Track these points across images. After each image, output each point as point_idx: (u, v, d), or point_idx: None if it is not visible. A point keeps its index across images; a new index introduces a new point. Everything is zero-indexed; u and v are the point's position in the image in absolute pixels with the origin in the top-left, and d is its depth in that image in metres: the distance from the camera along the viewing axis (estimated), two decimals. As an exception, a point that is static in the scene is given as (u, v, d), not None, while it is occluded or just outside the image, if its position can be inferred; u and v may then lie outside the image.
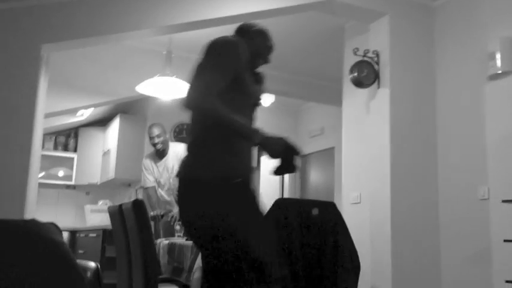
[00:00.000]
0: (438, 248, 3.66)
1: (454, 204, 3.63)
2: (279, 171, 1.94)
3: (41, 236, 1.28)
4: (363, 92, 3.95)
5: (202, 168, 1.85)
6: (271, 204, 2.53)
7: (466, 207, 3.51)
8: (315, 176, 7.41)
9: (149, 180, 4.45)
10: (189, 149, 1.92)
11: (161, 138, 4.39)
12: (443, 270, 3.61)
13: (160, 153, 4.43)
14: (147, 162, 4.51)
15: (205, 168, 1.84)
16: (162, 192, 4.43)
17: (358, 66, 3.75)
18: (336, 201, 2.89)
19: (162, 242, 3.30)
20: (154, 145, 4.38)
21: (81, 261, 1.77)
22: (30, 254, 1.24)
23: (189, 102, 1.82)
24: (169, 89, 4.29)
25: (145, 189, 4.50)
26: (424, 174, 3.73)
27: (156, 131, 4.37)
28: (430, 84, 3.90)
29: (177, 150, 4.39)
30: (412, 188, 3.64)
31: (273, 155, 1.92)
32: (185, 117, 6.38)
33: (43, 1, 3.50)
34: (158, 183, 4.43)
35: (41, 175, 5.33)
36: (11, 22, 3.45)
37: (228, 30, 4.39)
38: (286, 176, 7.67)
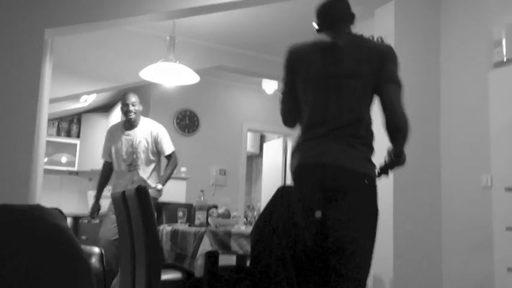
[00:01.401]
0: (440, 236, 3.66)
1: (456, 192, 3.63)
2: (385, 172, 2.06)
3: (45, 221, 1.28)
4: (367, 79, 3.93)
5: (373, 167, 1.98)
6: (274, 192, 2.53)
7: (469, 195, 3.50)
8: (318, 163, 7.40)
9: (104, 153, 4.19)
10: (356, 145, 1.95)
11: (135, 107, 4.05)
12: (445, 258, 3.62)
13: (129, 124, 4.07)
14: (114, 128, 4.20)
15: (374, 167, 1.98)
16: (122, 166, 4.02)
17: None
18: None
19: (165, 228, 3.31)
20: (126, 113, 4.02)
21: (85, 247, 1.78)
22: (35, 239, 1.25)
23: (408, 124, 1.95)
24: (173, 74, 4.27)
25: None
26: (427, 163, 3.72)
27: (132, 98, 4.05)
28: (434, 71, 3.87)
29: (149, 127, 4.09)
30: (414, 177, 3.64)
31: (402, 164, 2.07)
32: (187, 104, 6.29)
33: (45, -15, 3.47)
34: (118, 155, 4.04)
35: (44, 161, 5.34)
36: (14, 6, 3.43)
37: (231, 15, 4.36)
38: (289, 163, 7.65)
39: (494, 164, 3.35)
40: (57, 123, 6.69)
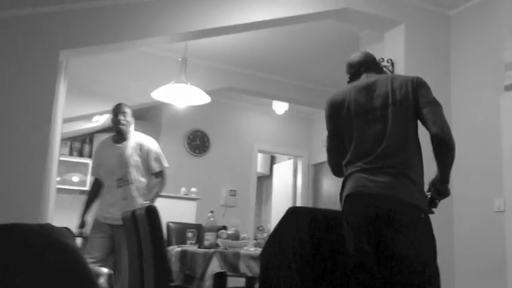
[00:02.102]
0: (452, 261, 3.60)
1: (469, 216, 3.58)
2: (434, 206, 2.15)
3: (54, 240, 1.29)
4: (378, 101, 3.93)
5: (424, 198, 2.05)
6: (284, 213, 2.52)
7: (482, 220, 3.46)
8: (328, 185, 7.37)
9: (94, 170, 3.91)
10: (410, 175, 2.03)
11: (127, 118, 3.74)
12: (458, 282, 3.56)
13: (119, 137, 3.76)
14: (102, 144, 3.92)
15: (425, 198, 2.06)
16: (111, 181, 3.70)
17: (372, 75, 3.73)
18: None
19: (174, 249, 3.30)
20: (117, 123, 3.71)
21: (93, 267, 1.78)
22: (44, 258, 1.25)
23: (452, 138, 2.02)
24: (184, 95, 4.31)
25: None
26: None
27: (125, 109, 3.75)
28: (445, 94, 3.87)
29: (140, 140, 3.78)
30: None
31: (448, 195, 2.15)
32: (198, 124, 6.29)
33: (62, 7, 3.55)
34: (108, 169, 3.72)
35: (56, 180, 5.37)
36: (30, 28, 3.51)
37: (241, 37, 4.42)
38: (299, 185, 7.64)
39: (507, 188, 3.31)
40: (69, 143, 6.76)
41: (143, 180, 3.72)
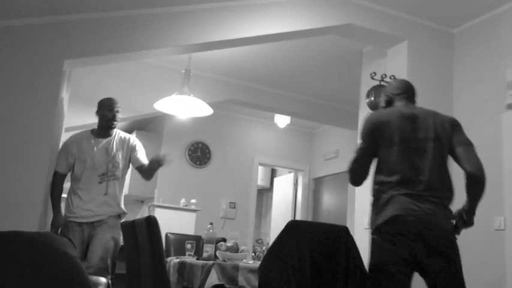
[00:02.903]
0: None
1: (469, 235, 3.56)
2: (457, 232, 2.40)
3: (54, 249, 1.29)
4: (379, 117, 3.95)
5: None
6: (283, 226, 2.52)
7: (481, 238, 3.44)
8: (328, 199, 7.36)
9: (61, 163, 3.51)
10: (447, 206, 2.33)
11: (119, 114, 3.62)
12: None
13: (104, 131, 3.57)
14: (79, 138, 3.57)
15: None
16: (92, 177, 3.46)
17: (375, 90, 3.75)
18: (348, 226, 2.86)
19: (173, 261, 3.29)
20: (113, 119, 3.55)
21: (91, 277, 1.77)
22: (44, 267, 1.25)
23: (485, 176, 2.35)
24: (187, 107, 4.33)
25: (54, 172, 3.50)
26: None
27: (118, 104, 3.62)
28: (446, 111, 3.86)
29: (123, 135, 3.65)
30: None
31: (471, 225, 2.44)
32: (200, 136, 6.27)
33: (67, 18, 3.58)
34: (89, 165, 3.46)
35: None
36: (35, 37, 3.53)
37: (244, 51, 4.45)
38: (299, 199, 7.63)
39: (508, 206, 3.30)
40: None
41: (123, 178, 3.60)
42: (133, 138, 3.69)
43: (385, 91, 2.64)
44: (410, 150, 2.31)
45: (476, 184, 2.31)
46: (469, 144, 2.38)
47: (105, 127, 3.57)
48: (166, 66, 5.10)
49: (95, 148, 3.50)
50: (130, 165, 3.68)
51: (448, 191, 2.35)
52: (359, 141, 2.48)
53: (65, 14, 3.56)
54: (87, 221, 3.38)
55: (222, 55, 4.81)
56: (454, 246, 2.29)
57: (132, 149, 3.61)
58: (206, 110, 4.36)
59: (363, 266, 2.62)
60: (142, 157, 3.64)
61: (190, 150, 6.78)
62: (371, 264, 2.29)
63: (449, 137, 2.38)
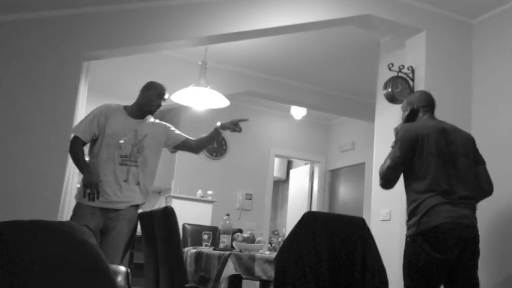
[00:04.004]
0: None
1: (489, 227, 3.53)
2: None
3: (75, 237, 1.31)
4: (397, 108, 3.91)
5: None
6: (299, 218, 2.52)
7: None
8: (344, 191, 7.34)
9: (84, 130, 3.14)
10: (474, 211, 2.61)
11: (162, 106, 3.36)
12: None
13: (141, 113, 3.27)
14: (110, 109, 3.24)
15: None
16: (114, 155, 3.10)
17: (392, 81, 3.71)
18: (364, 218, 2.85)
19: (190, 251, 3.32)
20: (158, 107, 3.30)
21: (111, 266, 1.80)
22: (64, 255, 1.27)
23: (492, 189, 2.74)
24: (203, 99, 4.35)
25: (73, 138, 3.15)
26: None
27: (167, 95, 3.37)
28: (466, 102, 3.83)
29: (158, 123, 3.38)
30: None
31: None
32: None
33: (84, 11, 3.62)
34: (112, 140, 3.12)
35: (77, 180, 5.43)
36: (53, 30, 3.57)
37: (261, 42, 4.44)
38: (315, 190, 7.62)
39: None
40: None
41: (153, 165, 3.26)
42: (164, 123, 3.43)
43: (409, 102, 2.81)
44: (445, 162, 2.56)
45: (484, 198, 2.73)
46: (484, 163, 2.73)
47: (143, 110, 3.25)
48: (183, 58, 5.12)
49: (125, 125, 3.19)
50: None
51: (475, 199, 2.65)
52: (396, 149, 2.63)
53: (82, 6, 3.60)
54: (102, 207, 2.99)
55: (239, 47, 4.81)
56: (478, 241, 2.59)
57: (167, 131, 3.35)
58: (223, 102, 4.37)
59: (380, 257, 2.62)
60: (179, 134, 3.40)
61: (207, 141, 6.80)
62: (413, 266, 2.50)
63: (473, 154, 2.68)
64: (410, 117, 2.76)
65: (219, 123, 3.48)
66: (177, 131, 3.42)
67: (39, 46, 3.53)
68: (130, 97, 5.04)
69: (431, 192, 2.52)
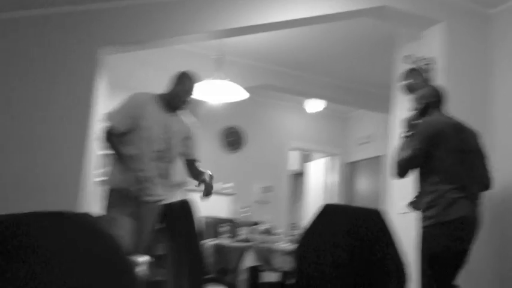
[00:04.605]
0: (493, 254, 3.54)
1: (510, 218, 3.51)
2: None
3: (95, 228, 1.32)
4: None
5: None
6: (317, 210, 2.54)
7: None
8: (362, 184, 7.32)
9: (120, 120, 2.99)
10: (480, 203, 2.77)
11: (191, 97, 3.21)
12: (499, 276, 3.49)
13: (171, 107, 3.14)
14: (145, 99, 3.09)
15: None
16: (145, 150, 3.02)
17: (408, 73, 3.70)
18: (383, 210, 2.85)
19: (209, 243, 3.37)
20: (185, 100, 3.16)
21: (132, 256, 1.84)
22: (82, 245, 1.28)
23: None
24: (219, 92, 4.37)
25: (108, 127, 2.99)
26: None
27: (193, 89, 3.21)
28: (484, 94, 3.79)
29: (186, 121, 3.25)
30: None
31: None
32: (233, 121, 6.33)
33: (100, 6, 3.66)
34: (144, 134, 3.01)
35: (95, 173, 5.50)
36: (69, 26, 3.63)
37: (277, 35, 4.43)
38: (333, 183, 7.61)
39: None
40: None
41: (176, 161, 3.24)
42: (193, 125, 3.29)
43: (422, 96, 2.89)
44: (461, 158, 2.70)
45: (483, 191, 2.83)
46: (486, 158, 2.84)
47: (172, 103, 3.14)
48: (199, 52, 5.15)
49: (158, 119, 3.07)
50: None
51: (480, 195, 2.82)
52: (418, 141, 2.71)
53: (98, 2, 3.64)
54: (142, 199, 2.99)
55: (255, 40, 4.82)
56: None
57: (187, 140, 3.25)
58: (241, 94, 4.39)
59: (399, 249, 2.63)
60: (193, 149, 3.29)
61: (224, 135, 6.85)
62: (433, 255, 2.63)
63: (478, 150, 2.81)
64: (424, 111, 2.85)
65: (209, 172, 3.31)
66: (194, 144, 3.31)
67: (54, 41, 3.59)
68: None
69: (449, 186, 2.64)
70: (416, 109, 2.90)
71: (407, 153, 2.71)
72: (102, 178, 3.06)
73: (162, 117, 3.09)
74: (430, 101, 2.86)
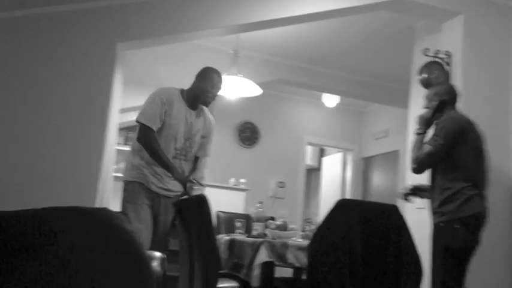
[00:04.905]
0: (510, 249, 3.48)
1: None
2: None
3: (113, 224, 1.33)
4: (432, 94, 3.83)
5: None
6: (333, 205, 2.51)
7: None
8: (378, 179, 7.26)
9: (155, 119, 2.91)
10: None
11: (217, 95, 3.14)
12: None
13: (196, 104, 3.08)
14: (173, 96, 3.01)
15: None
16: (170, 147, 2.98)
17: (428, 67, 3.63)
18: (398, 206, 2.82)
19: (223, 238, 3.36)
20: (208, 99, 3.08)
21: (147, 251, 1.85)
22: (100, 241, 1.29)
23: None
24: (235, 87, 4.36)
25: (145, 128, 2.91)
26: (497, 182, 3.56)
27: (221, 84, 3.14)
28: (504, 87, 3.71)
29: (210, 120, 3.21)
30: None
31: None
32: (249, 116, 6.36)
33: (119, 1, 3.67)
34: (170, 131, 2.97)
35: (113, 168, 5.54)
36: (88, 21, 3.65)
37: (292, 30, 4.40)
38: (348, 178, 7.56)
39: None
40: (124, 133, 6.97)
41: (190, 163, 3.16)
42: (211, 128, 3.22)
43: (436, 93, 2.87)
44: (477, 156, 2.74)
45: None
46: (488, 160, 2.86)
47: (197, 100, 3.07)
48: (215, 47, 5.14)
49: (184, 117, 3.01)
50: None
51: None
52: (440, 137, 2.70)
53: (116, -3, 3.66)
54: (158, 192, 2.98)
55: (271, 35, 4.79)
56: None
57: (206, 140, 3.19)
58: (255, 90, 4.38)
59: (414, 245, 2.59)
60: (209, 148, 3.23)
61: (240, 130, 6.84)
62: (450, 250, 2.64)
63: (486, 150, 2.82)
64: (440, 108, 2.83)
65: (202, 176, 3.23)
66: (209, 143, 3.25)
67: (74, 38, 3.62)
68: (161, 87, 5.09)
69: (467, 183, 2.68)
70: (429, 106, 2.87)
71: (427, 148, 2.71)
72: (121, 172, 3.01)
73: (188, 115, 3.04)
74: (446, 98, 2.84)
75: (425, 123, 2.86)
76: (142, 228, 2.86)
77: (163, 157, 2.90)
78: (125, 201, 2.94)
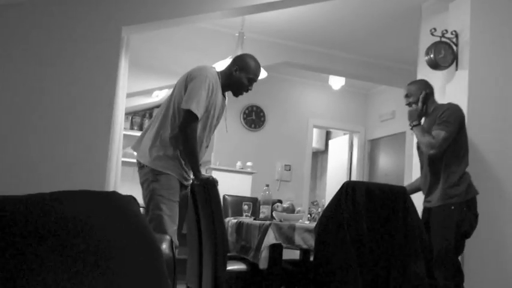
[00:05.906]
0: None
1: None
2: None
3: (121, 206, 1.34)
4: (439, 75, 3.79)
5: None
6: (338, 188, 2.52)
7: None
8: (384, 161, 7.25)
9: (203, 107, 2.71)
10: None
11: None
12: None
13: (225, 90, 2.95)
14: (217, 82, 2.82)
15: None
16: (202, 137, 2.84)
17: (435, 47, 3.60)
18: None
19: (231, 221, 3.39)
20: (244, 91, 2.95)
21: (156, 234, 1.86)
22: (110, 224, 1.30)
23: None
24: (240, 70, 4.33)
25: (192, 115, 2.67)
26: (503, 162, 3.55)
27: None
28: (513, 67, 3.67)
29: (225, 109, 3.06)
30: (490, 176, 3.48)
31: None
32: (254, 99, 6.35)
33: (122, -15, 3.65)
34: (208, 120, 2.84)
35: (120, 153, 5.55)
36: (93, 5, 3.63)
37: (298, 11, 4.35)
38: (354, 161, 7.56)
39: None
40: (130, 118, 6.99)
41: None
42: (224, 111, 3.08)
43: (419, 87, 3.11)
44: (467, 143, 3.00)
45: None
46: None
47: (229, 88, 2.92)
48: (220, 30, 5.11)
49: (219, 104, 2.85)
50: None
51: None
52: (451, 123, 2.88)
53: (120, -19, 3.63)
54: (182, 182, 2.88)
55: (276, 17, 4.75)
56: None
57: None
58: (261, 73, 4.35)
59: (422, 226, 2.60)
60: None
61: (245, 113, 6.83)
62: (460, 230, 2.78)
63: None
64: (427, 99, 3.08)
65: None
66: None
67: (79, 22, 3.60)
68: (168, 71, 5.10)
69: (465, 167, 2.93)
70: (415, 101, 3.10)
71: (442, 134, 2.86)
72: (145, 161, 2.77)
73: (222, 103, 2.88)
74: (428, 91, 3.10)
75: (419, 115, 3.06)
76: (174, 218, 2.72)
77: (197, 154, 2.72)
78: (158, 195, 2.70)
